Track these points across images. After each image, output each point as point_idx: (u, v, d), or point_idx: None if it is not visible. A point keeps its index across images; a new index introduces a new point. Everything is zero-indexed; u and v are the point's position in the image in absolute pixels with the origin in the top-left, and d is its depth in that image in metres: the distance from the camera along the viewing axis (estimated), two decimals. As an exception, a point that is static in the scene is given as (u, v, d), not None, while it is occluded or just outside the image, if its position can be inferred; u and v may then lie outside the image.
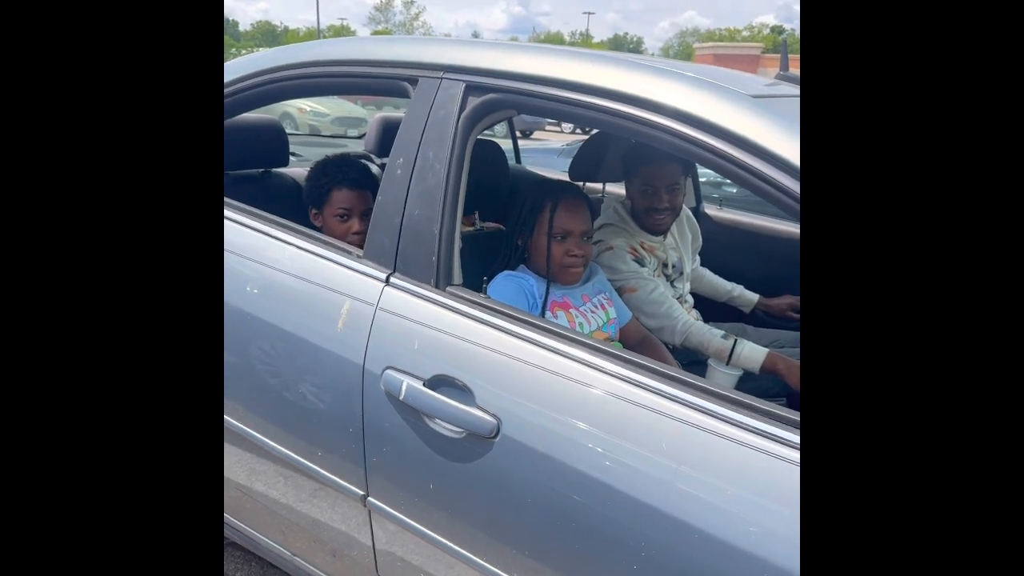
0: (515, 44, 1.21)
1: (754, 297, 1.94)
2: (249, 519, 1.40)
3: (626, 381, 0.89)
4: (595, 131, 1.80)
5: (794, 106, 0.91)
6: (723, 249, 2.06)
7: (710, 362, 1.45)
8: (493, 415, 0.94)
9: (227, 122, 1.52)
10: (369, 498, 1.11)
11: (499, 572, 0.99)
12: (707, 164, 0.92)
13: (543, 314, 1.26)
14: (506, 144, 2.18)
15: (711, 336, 1.50)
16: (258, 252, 1.24)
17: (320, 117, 9.78)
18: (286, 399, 1.17)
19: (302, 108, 9.85)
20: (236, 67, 1.39)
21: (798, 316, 1.84)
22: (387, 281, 1.09)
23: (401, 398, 1.01)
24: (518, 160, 2.64)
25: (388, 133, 2.08)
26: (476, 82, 1.07)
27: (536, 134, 16.10)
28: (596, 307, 1.37)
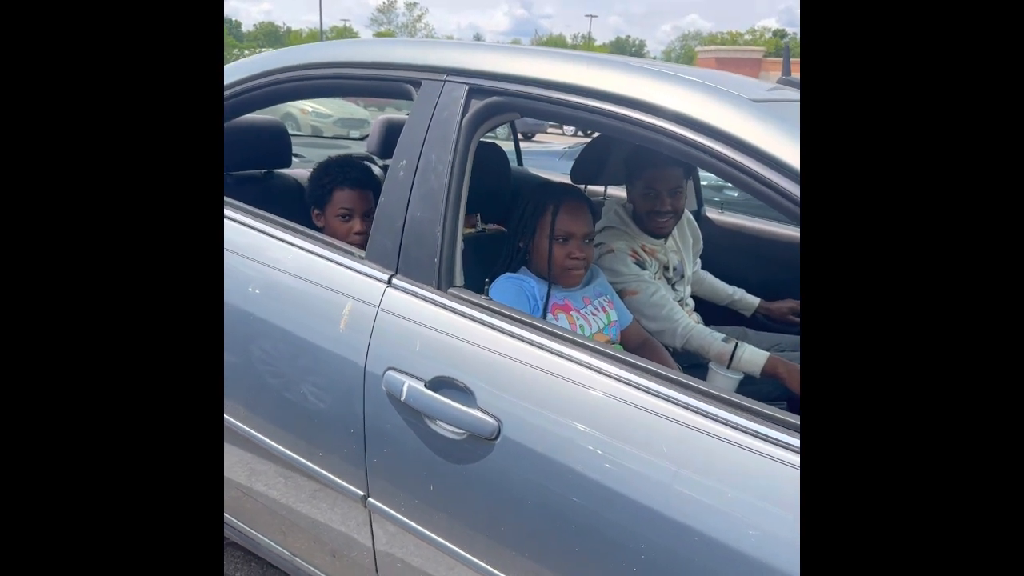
0: (518, 47, 1.21)
1: (755, 301, 1.94)
2: (249, 519, 1.40)
3: (627, 384, 0.89)
4: (597, 134, 1.81)
5: (796, 110, 0.91)
6: (724, 252, 2.06)
7: (711, 365, 1.45)
8: (494, 417, 0.95)
9: (230, 123, 1.53)
10: (369, 499, 1.12)
11: (499, 574, 0.99)
12: (708, 168, 0.92)
13: (544, 316, 1.26)
14: (508, 146, 2.18)
15: (712, 339, 1.51)
16: (260, 252, 1.24)
17: (322, 118, 9.79)
18: (287, 399, 1.17)
19: (304, 109, 9.86)
20: (240, 68, 1.40)
21: (799, 320, 1.85)
22: (389, 282, 1.09)
23: (402, 399, 1.01)
24: (520, 162, 2.64)
25: (391, 135, 2.08)
26: (479, 85, 1.07)
27: (538, 136, 16.12)
28: (597, 309, 1.37)
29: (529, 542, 0.95)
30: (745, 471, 0.80)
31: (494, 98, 1.06)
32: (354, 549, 1.20)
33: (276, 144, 1.78)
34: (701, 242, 1.92)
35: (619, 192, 1.89)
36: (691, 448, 0.84)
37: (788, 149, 0.84)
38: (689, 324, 1.56)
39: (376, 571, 1.19)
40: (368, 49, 1.27)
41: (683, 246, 1.82)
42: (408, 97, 1.16)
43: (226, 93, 1.39)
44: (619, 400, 0.89)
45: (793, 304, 1.90)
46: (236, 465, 1.33)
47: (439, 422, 1.00)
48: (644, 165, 1.64)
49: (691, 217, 1.92)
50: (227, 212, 1.31)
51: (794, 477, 0.76)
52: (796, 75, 1.19)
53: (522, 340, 0.97)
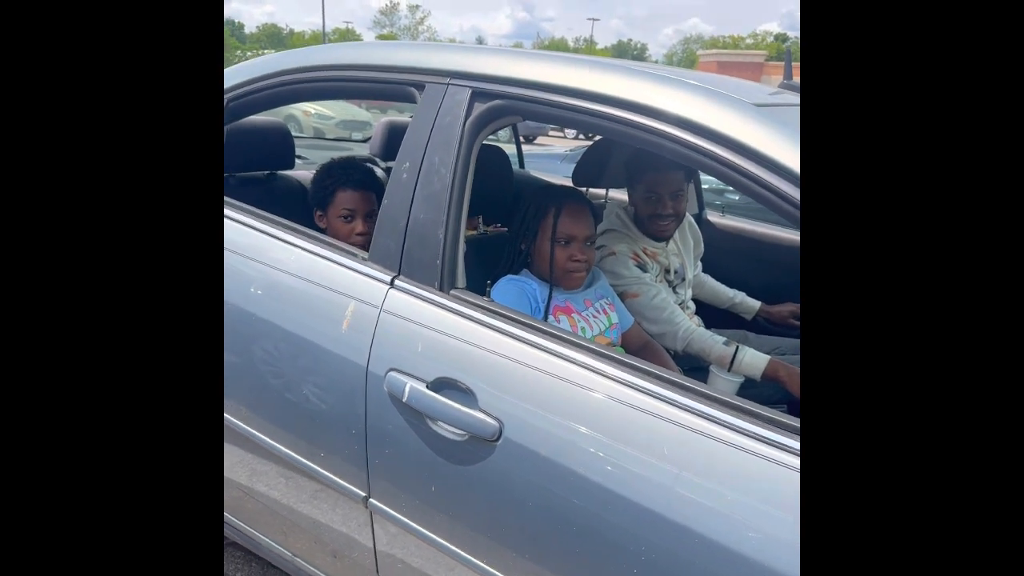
0: (521, 51, 1.22)
1: (756, 304, 1.94)
2: (250, 519, 1.40)
3: (628, 386, 0.89)
4: (598, 137, 1.81)
5: (797, 115, 0.91)
6: (725, 256, 2.06)
7: (712, 368, 1.46)
8: (495, 418, 0.95)
9: (233, 124, 1.53)
10: (371, 499, 1.12)
11: (500, 575, 0.99)
12: (710, 171, 0.92)
13: (546, 318, 1.27)
14: (510, 149, 2.19)
15: (713, 342, 1.51)
16: (263, 253, 1.24)
17: (325, 120, 9.80)
18: (289, 400, 1.18)
19: (307, 111, 9.87)
20: (243, 70, 1.40)
21: (800, 324, 1.85)
22: (392, 284, 1.10)
23: (404, 400, 1.02)
24: (522, 165, 2.64)
25: (393, 137, 2.09)
26: (482, 88, 1.08)
27: (539, 139, 16.13)
28: (598, 312, 1.38)
29: (530, 544, 0.96)
30: (746, 474, 0.81)
31: (497, 101, 1.07)
32: (355, 550, 1.21)
33: (279, 146, 1.79)
34: (702, 245, 1.93)
35: (620, 195, 1.90)
36: (692, 451, 0.84)
37: (789, 153, 0.84)
38: (690, 327, 1.56)
39: (377, 572, 1.19)
40: (372, 52, 1.28)
41: (684, 249, 1.82)
42: (412, 100, 1.17)
43: (229, 95, 1.39)
44: (620, 402, 0.89)
45: (794, 308, 1.90)
46: (237, 465, 1.33)
47: (441, 423, 1.00)
48: (645, 168, 1.65)
49: (692, 220, 1.92)
50: (230, 213, 1.32)
51: (795, 480, 0.77)
52: (798, 79, 1.20)
53: (524, 342, 0.97)
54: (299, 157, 1.96)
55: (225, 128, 1.50)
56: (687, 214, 1.82)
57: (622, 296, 1.54)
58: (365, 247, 1.17)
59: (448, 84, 1.11)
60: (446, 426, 0.99)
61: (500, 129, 1.15)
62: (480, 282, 1.20)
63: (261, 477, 1.31)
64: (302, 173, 1.89)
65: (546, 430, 0.92)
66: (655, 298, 1.58)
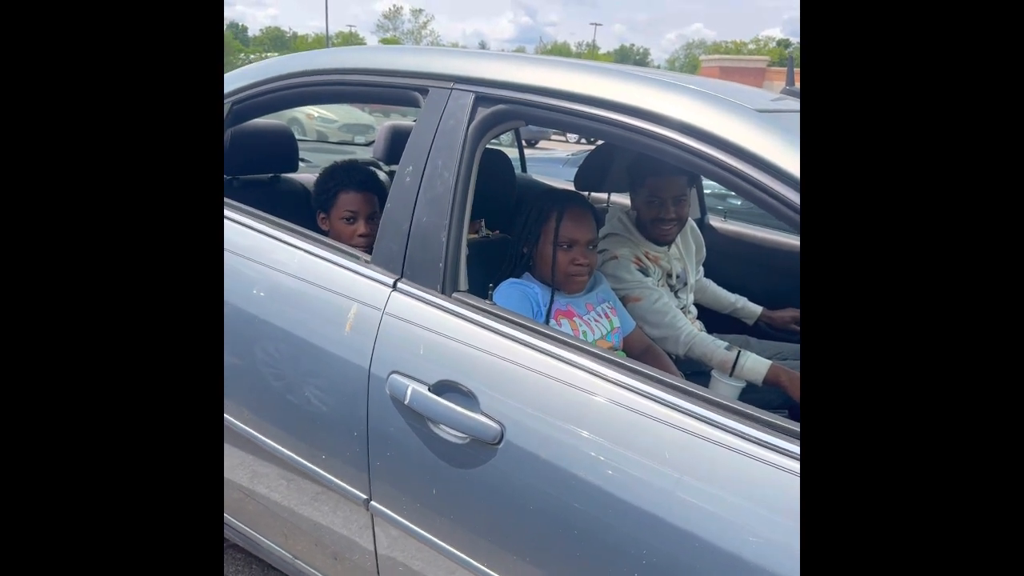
0: (524, 56, 1.22)
1: (757, 309, 1.94)
2: (250, 521, 1.40)
3: (629, 390, 0.90)
4: (600, 142, 1.82)
5: (798, 120, 0.92)
6: (727, 261, 2.07)
7: (713, 373, 1.46)
8: (497, 421, 0.95)
9: (238, 127, 1.54)
10: (372, 502, 1.12)
11: (500, 578, 0.99)
12: (712, 177, 0.93)
13: (547, 322, 1.27)
14: (512, 153, 2.19)
15: (715, 347, 1.51)
16: (266, 255, 1.25)
17: (328, 123, 9.82)
18: (290, 402, 1.18)
19: (310, 114, 9.90)
20: (247, 74, 1.41)
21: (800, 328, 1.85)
22: (394, 286, 1.10)
23: (406, 403, 1.02)
24: (524, 169, 2.65)
25: (396, 141, 2.09)
26: (486, 93, 1.08)
27: (541, 143, 16.15)
28: (600, 316, 1.38)
29: (531, 547, 0.96)
30: (747, 478, 0.81)
31: (500, 106, 1.07)
32: (356, 552, 1.21)
33: (283, 149, 1.79)
34: (704, 250, 1.93)
35: (622, 199, 1.90)
36: (693, 455, 0.84)
37: (791, 159, 0.85)
38: (692, 331, 1.56)
39: (378, 574, 1.19)
40: (376, 56, 1.28)
41: (686, 254, 1.82)
42: (415, 104, 1.17)
43: (233, 98, 1.40)
44: (622, 406, 0.89)
45: (795, 313, 1.90)
46: (238, 467, 1.34)
47: (442, 426, 1.00)
48: (648, 172, 1.65)
49: (694, 225, 1.93)
50: (233, 215, 1.32)
51: (796, 484, 0.77)
52: (800, 85, 1.20)
53: (525, 345, 0.97)
54: (302, 160, 1.97)
55: (229, 131, 1.51)
56: (689, 218, 1.83)
57: (624, 300, 1.54)
58: (367, 248, 1.18)
59: (452, 89, 1.12)
60: (448, 429, 1.00)
61: (503, 133, 1.16)
62: (482, 285, 1.20)
63: (262, 479, 1.31)
64: (305, 176, 1.89)
65: (547, 434, 0.92)
66: (657, 302, 1.58)
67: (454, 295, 1.06)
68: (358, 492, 1.13)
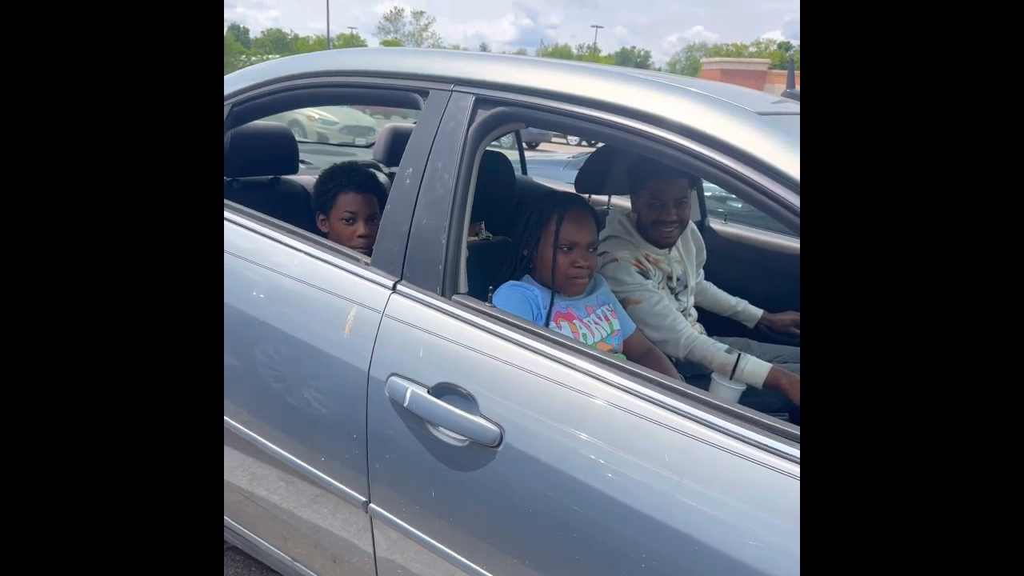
0: (524, 58, 1.23)
1: (758, 312, 1.94)
2: (250, 523, 1.40)
3: (629, 393, 0.89)
4: (600, 144, 1.82)
5: (798, 123, 0.92)
6: (728, 264, 2.07)
7: (714, 376, 1.45)
8: (496, 424, 0.95)
9: (238, 129, 1.54)
10: (371, 504, 1.12)
11: (499, 581, 0.99)
12: (712, 179, 0.92)
13: (547, 324, 1.27)
14: (512, 155, 2.20)
15: (715, 350, 1.51)
16: (265, 257, 1.25)
17: (329, 125, 9.84)
18: (290, 404, 1.18)
19: (311, 116, 9.91)
20: (248, 75, 1.41)
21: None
22: (394, 288, 1.10)
23: (405, 405, 1.02)
24: (524, 171, 2.65)
25: (397, 143, 2.10)
26: (486, 95, 1.08)
27: (542, 146, 16.17)
28: (600, 318, 1.38)
29: (530, 550, 0.95)
30: (747, 482, 0.81)
31: (500, 108, 1.07)
32: (355, 555, 1.20)
33: (283, 150, 1.80)
34: (704, 253, 1.93)
35: (623, 201, 1.90)
36: (693, 458, 0.84)
37: (791, 162, 0.85)
38: (692, 334, 1.56)
39: (376, 577, 1.19)
40: (376, 58, 1.29)
41: (686, 256, 1.82)
42: (415, 106, 1.17)
43: (234, 100, 1.40)
44: (621, 409, 0.89)
45: (796, 316, 1.90)
46: (238, 469, 1.33)
47: (441, 428, 1.00)
48: (649, 175, 1.65)
49: (694, 227, 1.93)
50: (233, 217, 1.32)
51: (796, 488, 0.77)
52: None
53: (525, 348, 0.97)
54: (303, 162, 1.97)
55: (229, 132, 1.51)
56: (690, 221, 1.83)
57: (624, 303, 1.54)
58: (366, 249, 1.18)
59: (452, 91, 1.12)
60: (447, 431, 0.99)
61: (503, 135, 1.16)
62: (482, 288, 1.20)
63: (261, 481, 1.31)
64: (306, 178, 1.89)
65: (547, 436, 0.92)
66: (657, 305, 1.58)
67: (454, 297, 1.06)
68: (357, 494, 1.13)
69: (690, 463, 0.84)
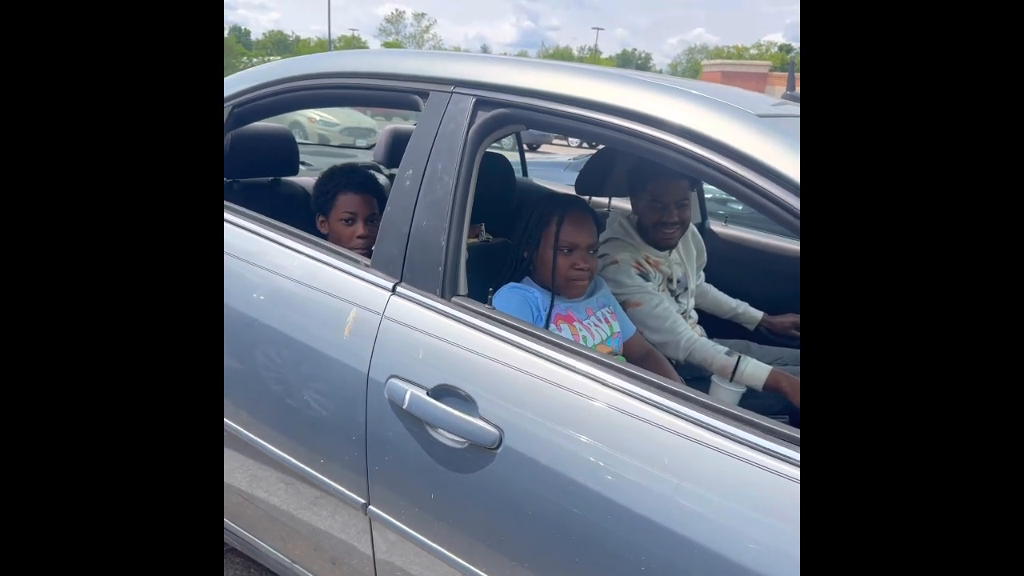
0: (524, 60, 1.23)
1: (758, 314, 1.94)
2: (249, 525, 1.40)
3: (629, 395, 0.89)
4: (601, 146, 1.82)
5: (799, 125, 0.92)
6: (728, 266, 2.06)
7: (714, 378, 1.45)
8: (495, 426, 0.95)
9: (239, 130, 1.54)
10: (370, 506, 1.12)
11: (498, 584, 0.99)
12: (713, 182, 0.92)
13: (547, 326, 1.27)
14: (513, 157, 2.20)
15: (715, 352, 1.51)
16: (266, 259, 1.25)
17: (329, 126, 9.85)
18: (289, 405, 1.18)
19: (312, 117, 9.92)
20: (249, 77, 1.41)
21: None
22: (393, 290, 1.10)
23: (404, 407, 1.02)
24: (525, 173, 2.65)
25: (397, 144, 2.10)
26: (486, 97, 1.08)
27: (543, 147, 16.18)
28: (600, 320, 1.38)
29: (529, 552, 0.95)
30: (747, 484, 0.80)
31: (500, 110, 1.07)
32: (354, 557, 1.20)
33: (284, 152, 1.80)
34: (705, 255, 1.93)
35: (623, 204, 1.90)
36: (693, 460, 0.84)
37: (792, 164, 0.85)
38: (692, 337, 1.56)
39: (375, 579, 1.19)
40: (377, 60, 1.29)
41: (687, 259, 1.82)
42: (416, 108, 1.17)
43: (235, 101, 1.40)
44: (621, 411, 0.89)
45: (796, 318, 1.90)
46: (237, 471, 1.33)
47: (441, 430, 1.00)
48: (650, 177, 1.65)
49: (695, 230, 1.92)
50: (233, 218, 1.32)
51: (795, 491, 0.76)
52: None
53: (525, 350, 0.97)
54: (303, 163, 1.97)
55: (230, 134, 1.51)
56: (690, 223, 1.82)
57: (624, 305, 1.54)
58: (366, 250, 1.18)
59: (452, 92, 1.12)
60: (446, 433, 0.99)
61: (503, 137, 1.16)
62: (482, 290, 1.20)
63: (261, 483, 1.30)
64: (306, 179, 1.89)
65: (546, 439, 0.92)
66: (657, 307, 1.58)
67: (454, 299, 1.06)
68: (356, 496, 1.13)
69: (689, 466, 0.84)
